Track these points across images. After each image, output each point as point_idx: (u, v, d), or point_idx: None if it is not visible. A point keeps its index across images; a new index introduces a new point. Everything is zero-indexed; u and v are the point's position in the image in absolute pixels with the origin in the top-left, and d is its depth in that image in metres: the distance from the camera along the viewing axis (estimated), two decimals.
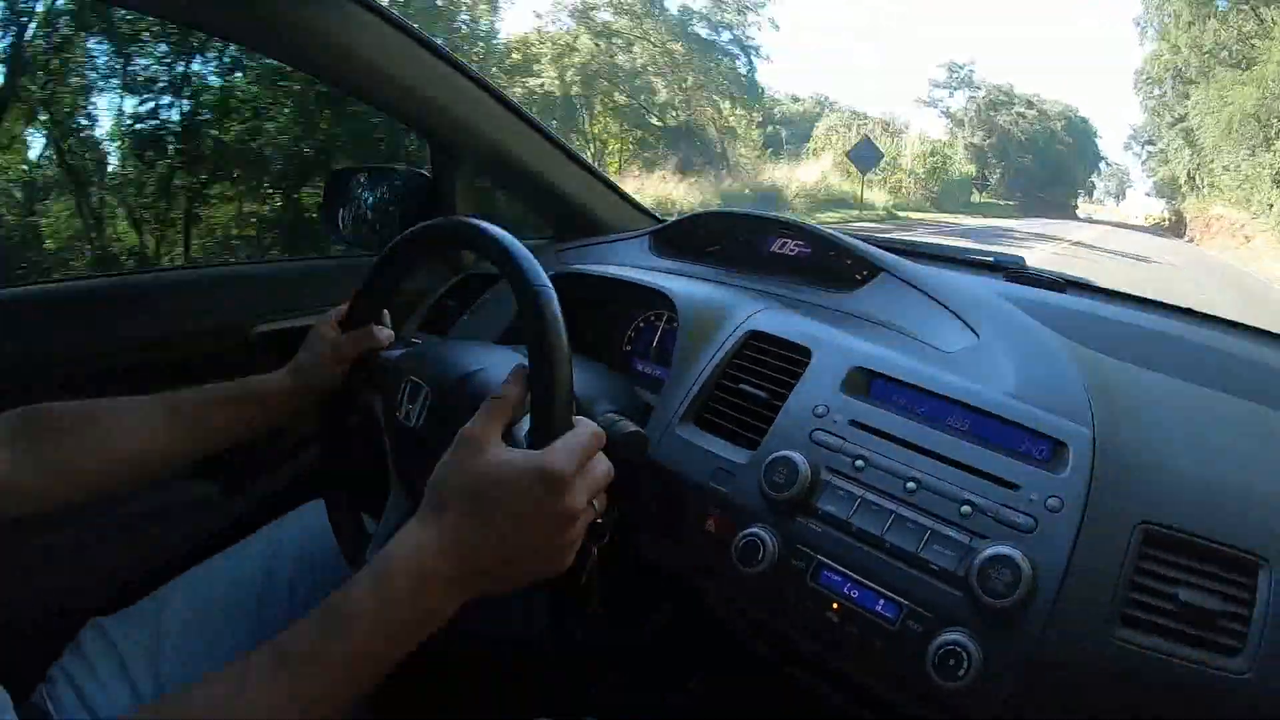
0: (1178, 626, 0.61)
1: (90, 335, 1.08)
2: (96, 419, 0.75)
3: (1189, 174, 35.06)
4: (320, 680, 0.52)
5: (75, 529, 1.04)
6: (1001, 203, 45.42)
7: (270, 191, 4.75)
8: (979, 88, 48.80)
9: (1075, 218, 48.80)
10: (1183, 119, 33.84)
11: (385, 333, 0.90)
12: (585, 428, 0.63)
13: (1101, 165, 58.82)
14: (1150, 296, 1.21)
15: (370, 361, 0.88)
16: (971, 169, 44.74)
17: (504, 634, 1.05)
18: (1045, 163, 49.32)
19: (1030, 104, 49.21)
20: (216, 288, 1.22)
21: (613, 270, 1.17)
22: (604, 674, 1.15)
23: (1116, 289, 1.24)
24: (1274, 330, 1.12)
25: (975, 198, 43.98)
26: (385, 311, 0.92)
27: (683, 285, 1.07)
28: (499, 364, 0.79)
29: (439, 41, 1.16)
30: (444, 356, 0.81)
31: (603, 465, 0.63)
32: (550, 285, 0.66)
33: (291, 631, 0.53)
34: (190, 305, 1.18)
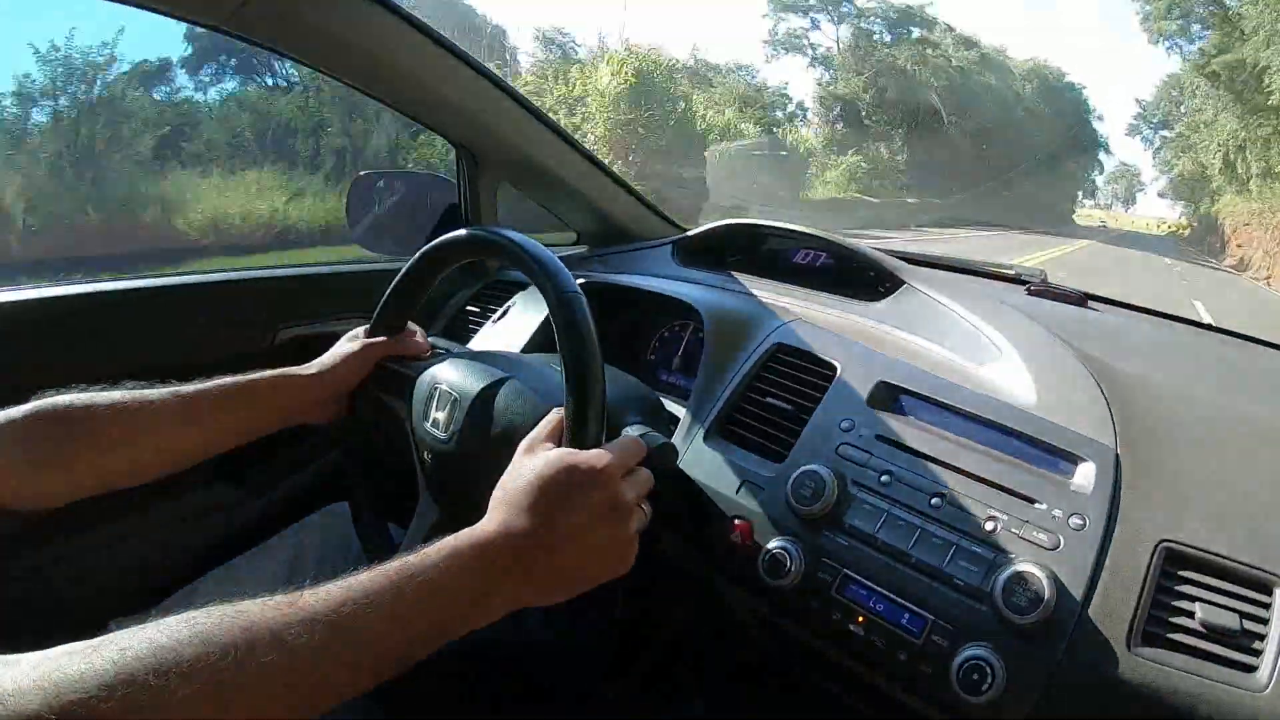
0: (1196, 644, 0.62)
1: (116, 337, 1.08)
2: (116, 412, 0.74)
3: (1226, 156, 24.08)
4: (360, 666, 0.50)
5: (97, 530, 1.05)
6: (910, 200, 29.88)
7: None
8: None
9: (1067, 228, 36.55)
10: (1219, 55, 21.30)
11: (420, 343, 0.91)
12: (626, 438, 0.66)
13: (1102, 156, 44.91)
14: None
15: (396, 368, 0.88)
16: (812, 136, 29.78)
17: (517, 637, 1.06)
18: (1006, 143, 34.26)
19: (969, 44, 32.06)
20: (242, 291, 1.23)
21: (638, 280, 1.18)
22: (615, 679, 1.15)
23: (1137, 303, 1.25)
24: None
25: (830, 190, 27.40)
26: (413, 325, 0.92)
27: (708, 296, 1.08)
28: (529, 372, 0.80)
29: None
30: (473, 365, 0.82)
31: (645, 472, 0.66)
32: (580, 291, 0.68)
33: (365, 579, 0.52)
34: (216, 308, 1.18)
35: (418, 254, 0.86)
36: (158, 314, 1.14)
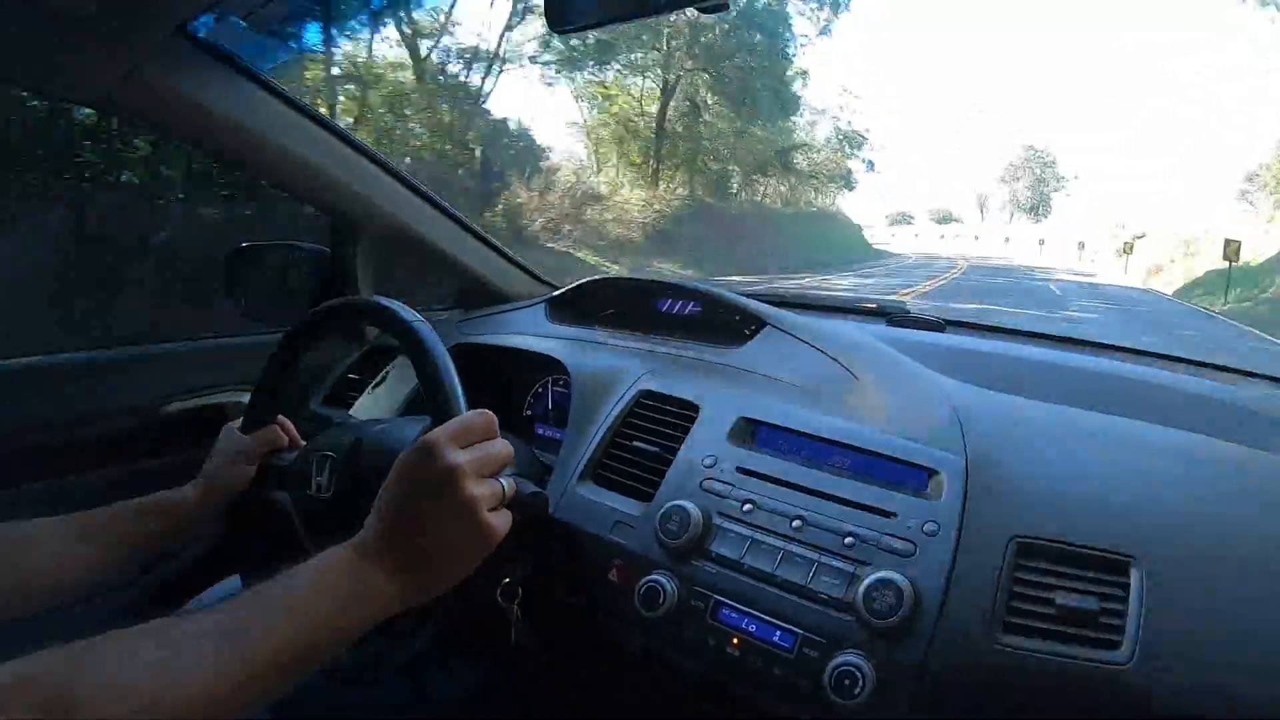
0: (1058, 628, 0.66)
1: None
2: (6, 547, 0.72)
3: None
4: (257, 662, 0.51)
5: None
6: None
7: None
8: None
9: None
10: None
11: (292, 435, 0.93)
12: (472, 412, 0.68)
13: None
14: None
15: (273, 463, 0.89)
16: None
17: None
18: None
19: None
20: (124, 368, 1.20)
21: (509, 340, 1.22)
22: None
23: (992, 324, 1.35)
24: (1131, 348, 1.23)
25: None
26: (280, 418, 0.93)
27: (576, 351, 1.13)
28: (399, 423, 0.85)
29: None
30: (346, 426, 0.86)
31: (498, 446, 0.68)
32: (423, 320, 0.74)
33: (229, 610, 0.53)
34: (98, 386, 1.16)
35: (278, 344, 0.88)
36: (35, 394, 1.10)
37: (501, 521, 0.65)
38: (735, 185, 28.89)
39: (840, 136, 38.25)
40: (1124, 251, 35.78)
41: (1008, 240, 61.22)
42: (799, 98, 30.20)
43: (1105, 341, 1.28)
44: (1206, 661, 0.62)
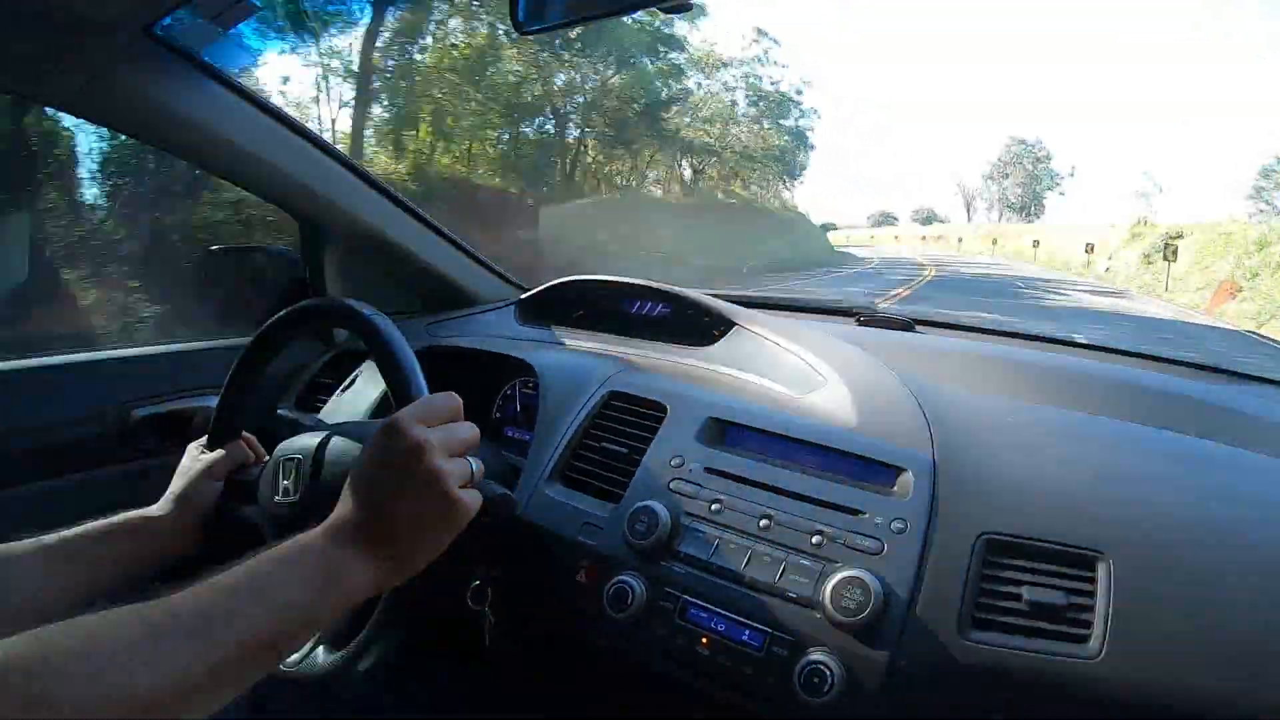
0: (1027, 624, 0.67)
1: None
2: None
3: None
4: (228, 647, 0.50)
5: None
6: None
7: None
8: None
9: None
10: None
11: (257, 450, 0.92)
12: (439, 393, 0.69)
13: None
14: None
15: (239, 479, 0.89)
16: None
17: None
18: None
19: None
20: (92, 372, 1.19)
21: (477, 342, 1.22)
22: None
23: (960, 322, 1.36)
24: (1101, 345, 1.23)
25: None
26: (247, 434, 0.93)
27: (544, 353, 1.13)
28: (363, 425, 0.86)
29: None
30: (309, 431, 0.85)
31: (464, 427, 0.68)
32: (382, 314, 0.75)
33: (197, 596, 0.52)
34: (65, 390, 1.14)
35: (238, 357, 0.88)
36: (3, 399, 1.09)
37: (471, 499, 0.65)
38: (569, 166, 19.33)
39: (758, 97, 28.30)
40: (1162, 257, 23.64)
41: (996, 242, 52.93)
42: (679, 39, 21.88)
43: (1073, 339, 1.30)
44: (1174, 654, 0.63)
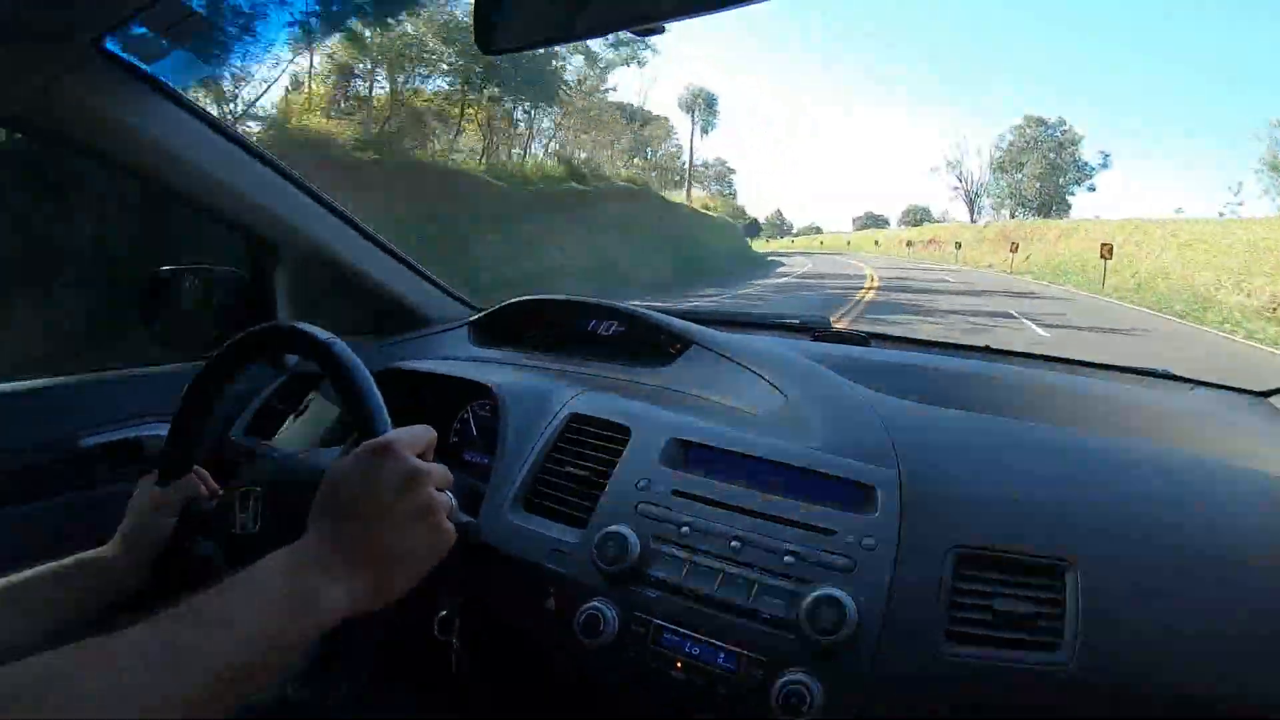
0: (1000, 634, 0.68)
1: None
2: None
3: None
4: (196, 677, 0.48)
5: None
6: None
7: None
8: None
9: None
10: None
11: (202, 486, 0.88)
12: (421, 426, 0.68)
13: None
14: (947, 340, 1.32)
15: (195, 510, 0.85)
16: None
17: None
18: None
19: None
20: (37, 398, 1.15)
21: (433, 365, 1.20)
22: None
23: (916, 337, 1.39)
24: (1059, 356, 1.27)
25: None
26: (199, 469, 0.89)
27: (503, 375, 1.11)
28: (319, 453, 0.84)
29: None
30: (266, 460, 0.86)
31: (440, 468, 0.67)
32: (337, 339, 0.73)
33: (163, 626, 0.50)
34: (10, 419, 1.10)
35: (188, 387, 0.84)
36: None
37: (451, 530, 0.65)
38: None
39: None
40: None
41: (1017, 249, 33.01)
42: None
43: (1028, 351, 1.33)
44: (1143, 658, 0.65)
